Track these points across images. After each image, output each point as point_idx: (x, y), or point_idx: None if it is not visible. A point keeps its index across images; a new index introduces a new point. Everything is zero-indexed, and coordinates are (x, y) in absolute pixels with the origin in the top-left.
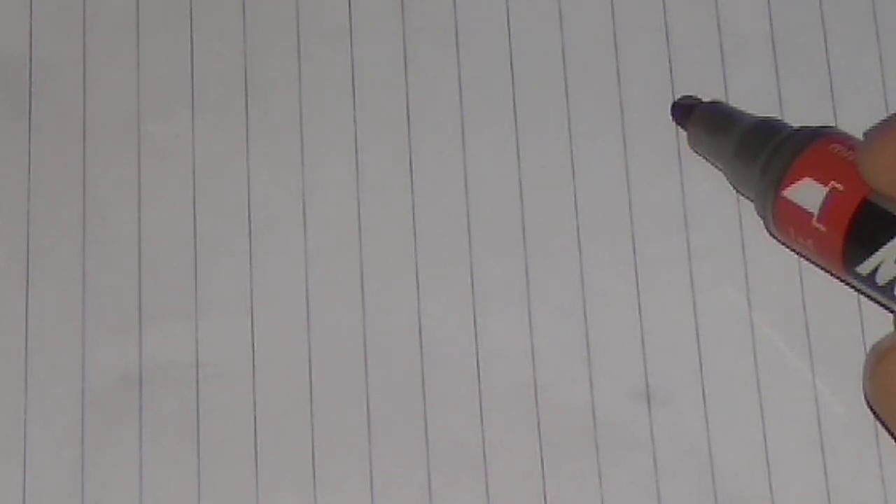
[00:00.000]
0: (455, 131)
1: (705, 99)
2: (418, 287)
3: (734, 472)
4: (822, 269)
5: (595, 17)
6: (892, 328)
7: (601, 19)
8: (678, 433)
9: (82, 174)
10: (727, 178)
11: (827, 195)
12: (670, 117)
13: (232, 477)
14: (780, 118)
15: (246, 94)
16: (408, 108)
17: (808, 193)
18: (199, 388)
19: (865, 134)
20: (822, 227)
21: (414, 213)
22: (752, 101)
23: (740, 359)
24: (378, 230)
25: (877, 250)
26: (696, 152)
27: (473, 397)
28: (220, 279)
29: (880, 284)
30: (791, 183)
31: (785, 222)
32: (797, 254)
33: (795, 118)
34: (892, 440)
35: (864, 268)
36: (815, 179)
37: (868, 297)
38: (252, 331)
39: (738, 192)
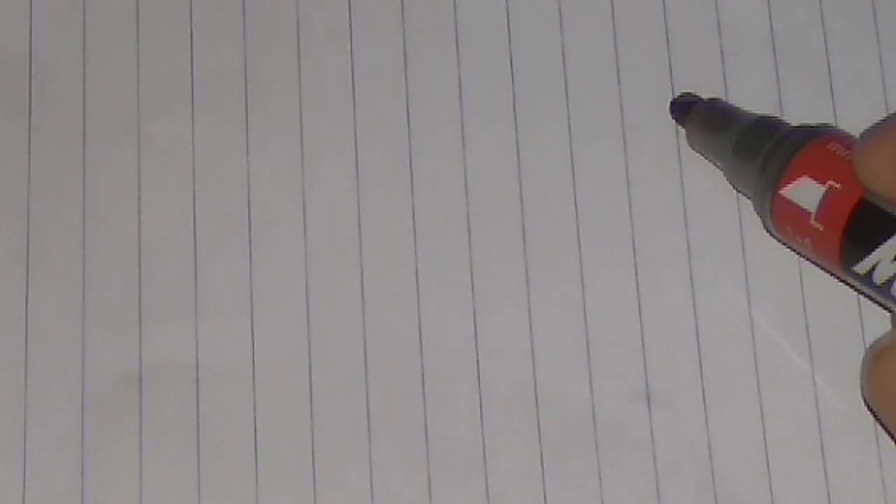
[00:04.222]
0: (455, 131)
1: (704, 97)
2: (418, 287)
3: (734, 472)
4: (820, 267)
5: (595, 17)
6: (890, 327)
7: (601, 19)
8: (678, 433)
9: (82, 174)
10: (725, 176)
11: (824, 194)
12: (669, 115)
13: (232, 477)
14: (778, 116)
15: (246, 94)
16: (408, 108)
17: (805, 192)
18: (199, 388)
19: (861, 136)
20: (820, 226)
21: (414, 213)
22: (752, 101)
23: (740, 358)
24: (378, 230)
25: (874, 249)
26: (695, 150)
27: (473, 397)
28: (220, 279)
29: (878, 283)
30: (789, 182)
31: (783, 221)
32: (796, 252)
33: (795, 118)
34: (890, 439)
35: (862, 267)
36: (813, 178)
37: (866, 296)
38: (252, 331)
39: (736, 190)
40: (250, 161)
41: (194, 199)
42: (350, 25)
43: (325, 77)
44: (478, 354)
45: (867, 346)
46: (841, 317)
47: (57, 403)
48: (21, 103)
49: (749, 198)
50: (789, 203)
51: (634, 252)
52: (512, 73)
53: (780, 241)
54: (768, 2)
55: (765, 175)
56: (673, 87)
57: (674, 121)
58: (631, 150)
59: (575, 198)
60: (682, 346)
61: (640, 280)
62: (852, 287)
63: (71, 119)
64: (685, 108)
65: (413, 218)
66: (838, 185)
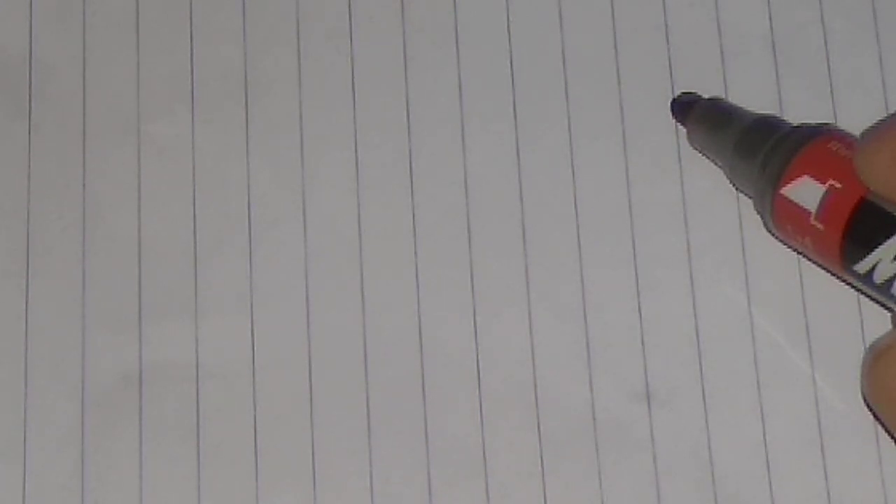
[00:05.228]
0: (455, 131)
1: (705, 96)
2: (418, 287)
3: (734, 472)
4: (820, 267)
5: (595, 17)
6: (890, 326)
7: (601, 19)
8: (678, 433)
9: (82, 174)
10: (726, 175)
11: (825, 193)
12: (670, 115)
13: (232, 477)
14: (779, 115)
15: (246, 94)
16: (408, 108)
17: (806, 191)
18: (199, 388)
19: (861, 135)
20: (820, 226)
21: (414, 213)
22: (752, 101)
23: (740, 357)
24: (378, 230)
25: (874, 249)
26: (696, 149)
27: (473, 397)
28: (220, 279)
29: (878, 283)
30: (789, 181)
31: (783, 220)
32: (796, 251)
33: (795, 118)
34: (891, 438)
35: (862, 266)
36: (814, 177)
37: (866, 295)
38: (252, 331)
39: (737, 189)
40: (250, 161)
41: (194, 199)
42: (350, 25)
43: (325, 77)
44: (478, 354)
45: (867, 346)
46: (841, 317)
47: (57, 403)
48: (21, 103)
49: (750, 197)
50: (790, 202)
51: (634, 252)
52: (512, 73)
53: (780, 240)
54: (768, 2)
55: (765, 174)
56: (673, 87)
57: (674, 120)
58: (631, 150)
59: (575, 198)
60: (682, 346)
61: (640, 280)
62: (852, 287)
63: (71, 119)
64: (686, 107)
65: (413, 218)
66: (839, 185)
